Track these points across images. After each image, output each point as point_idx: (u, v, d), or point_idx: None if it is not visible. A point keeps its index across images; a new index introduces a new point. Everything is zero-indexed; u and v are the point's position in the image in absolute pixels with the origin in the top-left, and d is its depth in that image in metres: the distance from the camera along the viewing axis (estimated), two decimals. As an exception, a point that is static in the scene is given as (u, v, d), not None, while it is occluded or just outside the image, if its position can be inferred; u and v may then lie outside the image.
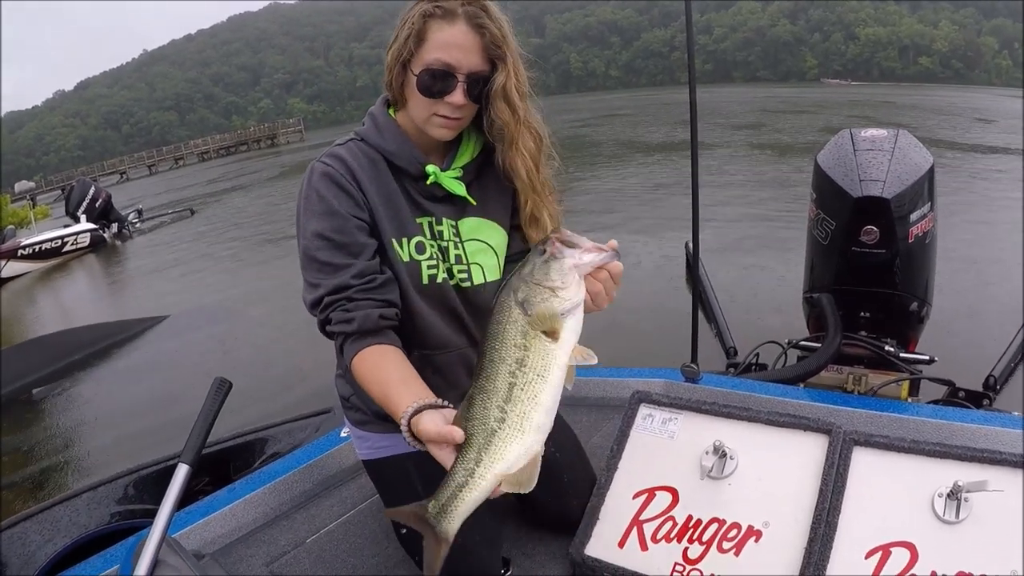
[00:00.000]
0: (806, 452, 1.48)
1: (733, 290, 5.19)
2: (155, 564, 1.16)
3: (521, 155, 1.46)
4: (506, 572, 1.57)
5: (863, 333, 2.66)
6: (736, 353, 3.72)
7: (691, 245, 5.65)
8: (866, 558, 1.33)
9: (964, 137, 15.90)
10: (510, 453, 1.00)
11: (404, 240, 1.42)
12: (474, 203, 1.48)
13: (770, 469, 1.50)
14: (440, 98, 1.34)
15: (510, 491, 1.02)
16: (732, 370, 3.20)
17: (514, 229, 1.57)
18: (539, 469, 1.04)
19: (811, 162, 2.69)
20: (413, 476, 1.57)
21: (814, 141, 15.17)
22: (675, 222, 7.56)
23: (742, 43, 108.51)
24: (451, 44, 1.32)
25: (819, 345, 2.63)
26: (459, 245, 1.48)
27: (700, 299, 2.54)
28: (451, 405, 1.14)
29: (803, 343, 2.80)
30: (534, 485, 1.03)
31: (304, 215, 1.38)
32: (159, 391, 5.47)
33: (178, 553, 1.21)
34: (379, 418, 1.57)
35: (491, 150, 1.49)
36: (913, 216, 2.44)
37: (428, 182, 1.43)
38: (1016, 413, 1.87)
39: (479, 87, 1.36)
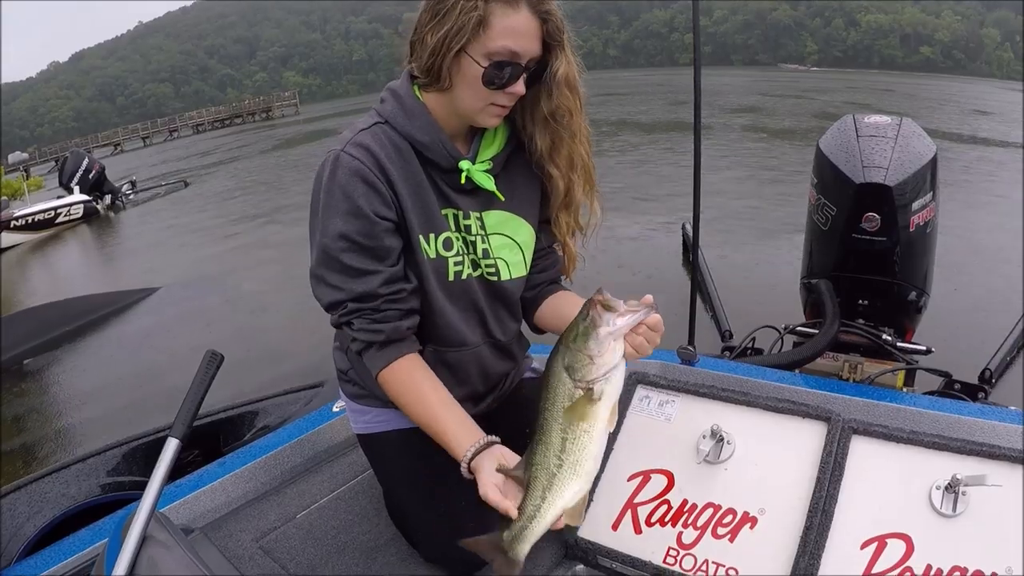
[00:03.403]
0: (804, 439, 1.47)
1: (729, 274, 5.17)
2: (143, 539, 1.14)
3: (584, 145, 1.43)
4: None
5: (861, 321, 2.66)
6: (732, 337, 3.71)
7: (689, 227, 5.63)
8: (861, 549, 1.32)
9: (961, 128, 15.87)
10: (568, 492, 1.16)
11: (432, 236, 1.37)
12: (503, 199, 1.42)
13: (767, 455, 1.48)
14: (502, 89, 1.27)
15: (568, 522, 1.19)
16: (728, 354, 3.18)
17: (543, 223, 1.53)
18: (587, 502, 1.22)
19: (808, 147, 2.67)
20: (409, 451, 1.56)
21: (810, 127, 15.16)
22: (673, 203, 7.52)
23: (742, 25, 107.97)
24: (517, 32, 1.24)
25: (816, 331, 2.62)
26: (485, 239, 1.43)
27: (696, 284, 2.53)
28: (499, 440, 1.28)
29: (800, 329, 2.79)
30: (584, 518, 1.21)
31: (326, 211, 1.30)
32: (150, 363, 5.45)
33: (167, 528, 1.19)
34: (377, 392, 1.54)
35: (519, 140, 1.44)
36: (915, 205, 2.43)
37: (462, 179, 1.36)
38: (1014, 408, 1.87)
39: (533, 75, 1.30)
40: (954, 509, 1.29)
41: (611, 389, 1.13)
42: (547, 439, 1.15)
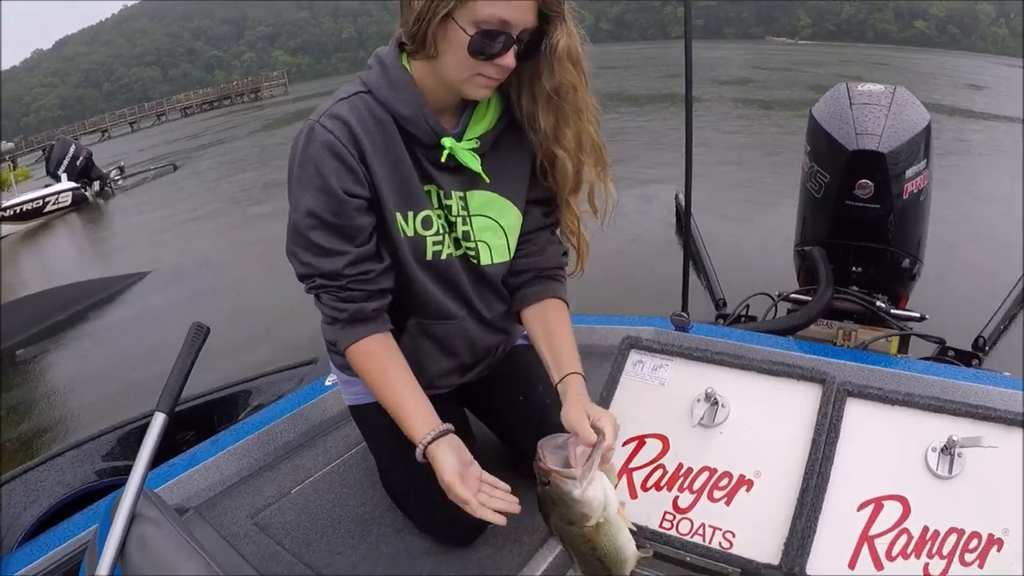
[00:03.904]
0: (799, 401, 1.45)
1: (722, 243, 5.15)
2: (132, 517, 1.13)
3: (592, 123, 1.37)
4: None
5: (854, 288, 2.66)
6: (725, 305, 3.72)
7: (682, 197, 5.64)
8: (858, 510, 1.31)
9: (954, 101, 15.85)
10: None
11: (410, 214, 1.31)
12: (487, 180, 1.35)
13: (762, 418, 1.47)
14: (490, 60, 1.20)
15: None
16: (721, 321, 3.19)
17: (532, 204, 1.46)
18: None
19: (800, 119, 2.66)
20: None
21: (803, 99, 15.09)
22: (666, 172, 7.49)
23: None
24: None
25: (809, 298, 2.62)
26: (467, 221, 1.37)
27: (690, 250, 2.52)
28: (454, 429, 1.28)
29: (793, 296, 2.79)
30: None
31: (297, 185, 1.26)
32: (143, 347, 5.43)
33: (156, 505, 1.18)
34: None
35: (512, 117, 1.36)
36: (908, 172, 2.44)
37: (442, 158, 1.30)
38: (1008, 374, 1.87)
39: (527, 46, 1.22)
40: (950, 471, 1.28)
41: (611, 507, 1.17)
42: (589, 565, 1.22)
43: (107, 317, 6.62)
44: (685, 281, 2.36)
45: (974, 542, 1.22)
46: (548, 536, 1.53)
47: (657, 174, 7.81)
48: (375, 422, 1.58)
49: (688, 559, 1.38)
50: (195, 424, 2.44)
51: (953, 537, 1.23)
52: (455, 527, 1.50)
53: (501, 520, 1.20)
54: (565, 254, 1.52)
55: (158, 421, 1.25)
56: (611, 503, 1.18)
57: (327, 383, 1.96)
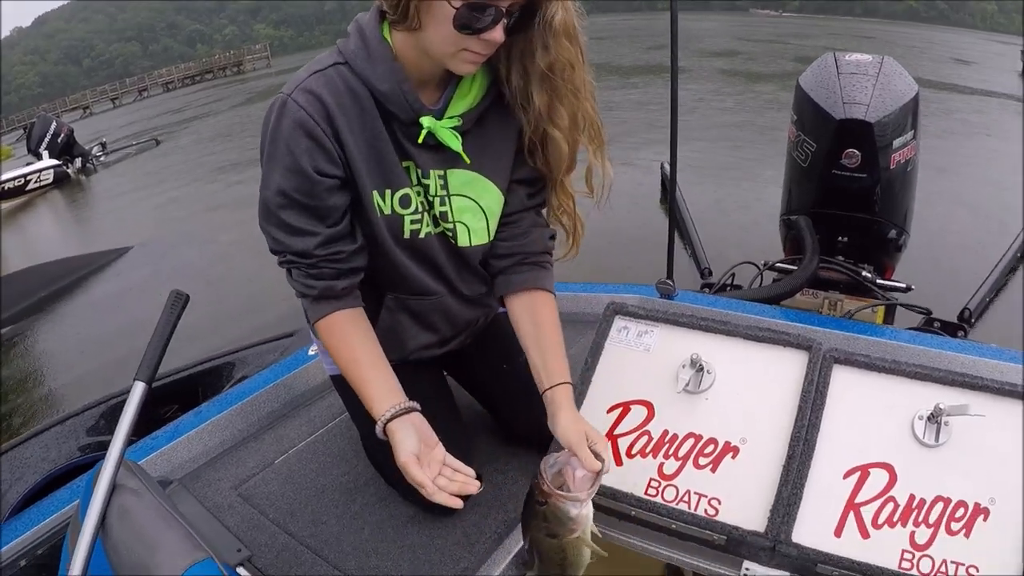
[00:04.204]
0: (785, 368, 1.44)
1: (707, 212, 5.15)
2: (113, 488, 1.11)
3: (589, 101, 1.31)
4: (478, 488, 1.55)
5: (840, 258, 2.66)
6: (711, 274, 3.73)
7: (667, 166, 5.63)
8: (844, 478, 1.30)
9: (939, 75, 15.86)
10: None
11: (387, 192, 1.27)
12: (468, 161, 1.30)
13: (748, 384, 1.46)
14: (477, 35, 1.13)
15: None
16: (707, 290, 3.19)
17: (516, 184, 1.41)
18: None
19: (785, 91, 2.66)
20: None
21: (789, 71, 15.06)
22: (651, 143, 7.45)
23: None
24: None
25: (795, 267, 2.62)
26: (446, 201, 1.32)
27: (675, 218, 2.51)
28: (419, 408, 1.26)
29: (779, 265, 2.80)
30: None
31: (268, 162, 1.22)
32: (128, 321, 5.39)
33: (137, 476, 1.16)
34: None
35: (497, 94, 1.30)
36: (896, 143, 2.43)
37: (419, 139, 1.25)
38: (994, 345, 1.88)
39: (517, 20, 1.15)
40: (937, 439, 1.28)
41: (588, 523, 1.20)
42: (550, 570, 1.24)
43: (91, 293, 6.57)
44: (670, 249, 2.35)
45: (960, 511, 1.22)
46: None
47: (641, 143, 7.77)
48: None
49: (673, 526, 1.38)
50: (180, 397, 2.43)
51: (939, 506, 1.23)
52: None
53: (458, 503, 1.18)
54: (552, 237, 1.47)
55: (137, 391, 1.22)
56: (590, 513, 1.20)
57: (310, 352, 1.95)
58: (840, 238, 2.68)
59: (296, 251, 1.25)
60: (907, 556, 1.21)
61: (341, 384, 1.58)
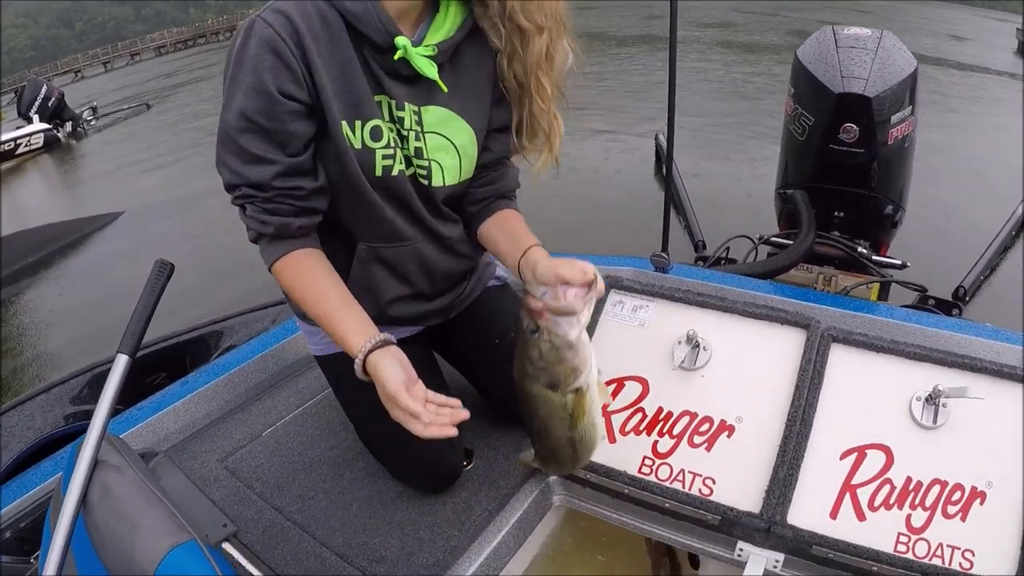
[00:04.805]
0: (783, 346, 1.42)
1: (702, 185, 5.10)
2: (95, 464, 1.07)
3: (565, 50, 1.30)
4: (468, 464, 1.53)
5: (836, 233, 2.63)
6: (705, 247, 3.69)
7: (662, 137, 5.55)
8: (841, 459, 1.29)
9: (936, 51, 15.75)
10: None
11: (357, 123, 1.21)
12: (445, 90, 1.27)
13: (745, 362, 1.44)
14: None
15: None
16: (701, 263, 3.16)
17: (495, 132, 1.39)
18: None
19: (781, 64, 2.62)
20: None
21: (784, 43, 14.94)
22: (646, 115, 7.38)
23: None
24: None
25: (790, 242, 2.60)
26: (420, 136, 1.27)
27: (671, 191, 2.48)
28: (395, 341, 1.20)
29: (774, 239, 2.77)
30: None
31: (231, 83, 1.15)
32: (115, 288, 5.34)
33: (120, 451, 1.12)
34: None
35: (474, 29, 1.28)
36: (894, 118, 2.41)
37: (396, 57, 1.19)
38: (990, 324, 1.86)
39: None
40: (935, 421, 1.26)
41: (595, 371, 1.10)
42: (560, 447, 1.20)
43: (79, 259, 6.50)
44: (666, 221, 2.31)
45: (957, 494, 1.21)
46: (524, 482, 1.50)
47: (637, 118, 7.69)
48: (340, 371, 1.52)
49: (667, 505, 1.36)
50: (167, 366, 2.39)
51: (936, 488, 1.22)
52: (431, 474, 1.47)
53: (452, 431, 1.12)
54: (516, 175, 1.49)
55: (120, 363, 1.18)
56: (594, 364, 1.11)
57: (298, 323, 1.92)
58: (836, 213, 2.64)
59: (252, 182, 1.18)
60: (903, 539, 1.21)
61: (325, 365, 1.56)
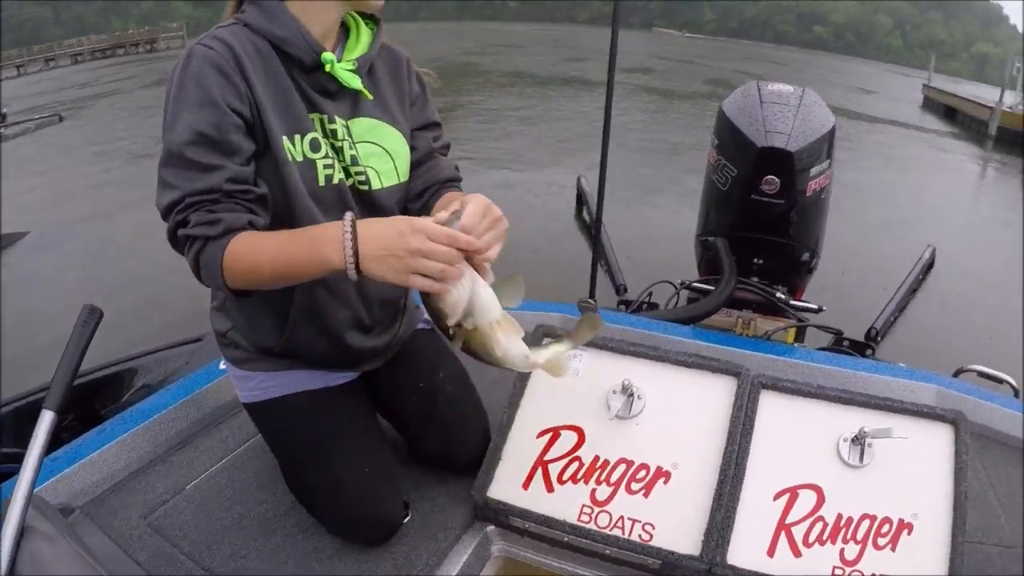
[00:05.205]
0: (714, 393, 1.47)
1: (621, 230, 5.18)
2: (22, 531, 1.00)
3: None
4: (407, 516, 1.49)
5: (755, 279, 2.73)
6: (626, 290, 3.76)
7: (584, 182, 5.64)
8: (775, 499, 1.33)
9: (847, 103, 16.65)
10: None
11: (297, 137, 1.25)
12: (371, 97, 1.35)
13: (678, 410, 1.47)
14: None
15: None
16: (624, 307, 3.22)
17: (419, 131, 1.47)
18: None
19: (701, 110, 2.74)
20: (302, 417, 1.46)
21: (703, 91, 15.51)
22: (561, 157, 7.47)
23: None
24: None
25: (712, 287, 2.68)
26: (353, 146, 1.33)
27: (599, 238, 2.53)
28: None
29: (696, 284, 2.84)
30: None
31: (175, 105, 1.15)
32: (19, 317, 4.94)
33: (49, 518, 1.05)
34: (263, 354, 1.43)
35: (383, 45, 1.40)
36: (813, 171, 2.54)
37: (326, 69, 1.26)
38: (902, 364, 1.97)
39: None
40: (861, 460, 1.33)
41: (483, 310, 1.11)
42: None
43: None
44: (593, 269, 2.36)
45: (886, 527, 1.27)
46: (462, 533, 1.49)
47: (556, 154, 7.76)
48: (275, 419, 1.49)
49: (608, 552, 1.37)
50: (75, 407, 2.27)
51: (866, 523, 1.28)
52: (368, 526, 1.42)
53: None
54: (457, 168, 1.53)
55: (46, 420, 1.09)
56: (483, 310, 1.11)
57: (221, 366, 1.82)
58: (755, 260, 2.75)
59: (200, 189, 1.13)
60: (838, 572, 1.26)
61: (257, 412, 1.51)
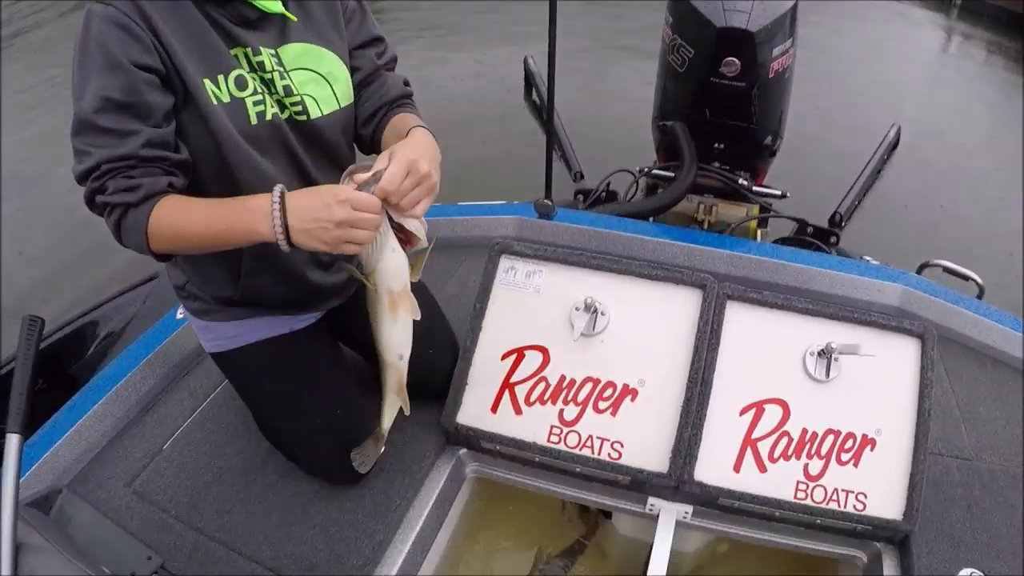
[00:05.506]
0: (680, 307, 1.45)
1: (572, 109, 4.95)
2: (17, 549, 1.00)
3: None
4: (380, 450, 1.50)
5: (716, 164, 2.67)
6: (583, 177, 3.61)
7: (532, 62, 5.33)
8: (740, 415, 1.36)
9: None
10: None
11: (220, 78, 1.16)
12: (294, 19, 1.24)
13: (643, 325, 1.46)
14: None
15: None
16: (581, 197, 3.14)
17: (360, 48, 1.37)
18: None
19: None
20: (270, 363, 1.45)
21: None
22: (503, 32, 6.98)
23: None
24: None
25: (671, 175, 2.63)
26: (284, 75, 1.23)
27: (552, 131, 2.40)
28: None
29: (656, 172, 2.78)
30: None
31: (81, 71, 1.09)
32: None
33: (39, 531, 1.06)
34: (222, 304, 1.39)
35: None
36: (775, 51, 2.41)
37: (238, 1, 1.16)
38: (867, 258, 1.96)
39: None
40: (827, 375, 1.34)
41: (383, 276, 1.13)
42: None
43: None
44: (548, 165, 2.26)
45: (849, 442, 1.30)
46: (436, 459, 1.52)
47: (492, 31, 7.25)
48: (243, 368, 1.48)
49: (578, 469, 1.40)
50: (43, 371, 2.23)
51: (830, 438, 1.31)
52: (345, 467, 1.43)
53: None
54: (407, 83, 1.44)
55: (13, 443, 1.08)
56: (389, 270, 1.13)
57: (178, 316, 1.79)
58: (716, 144, 2.67)
59: (115, 156, 1.09)
60: (801, 487, 1.30)
61: (225, 362, 1.50)
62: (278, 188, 1.07)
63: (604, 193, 3.01)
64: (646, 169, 2.81)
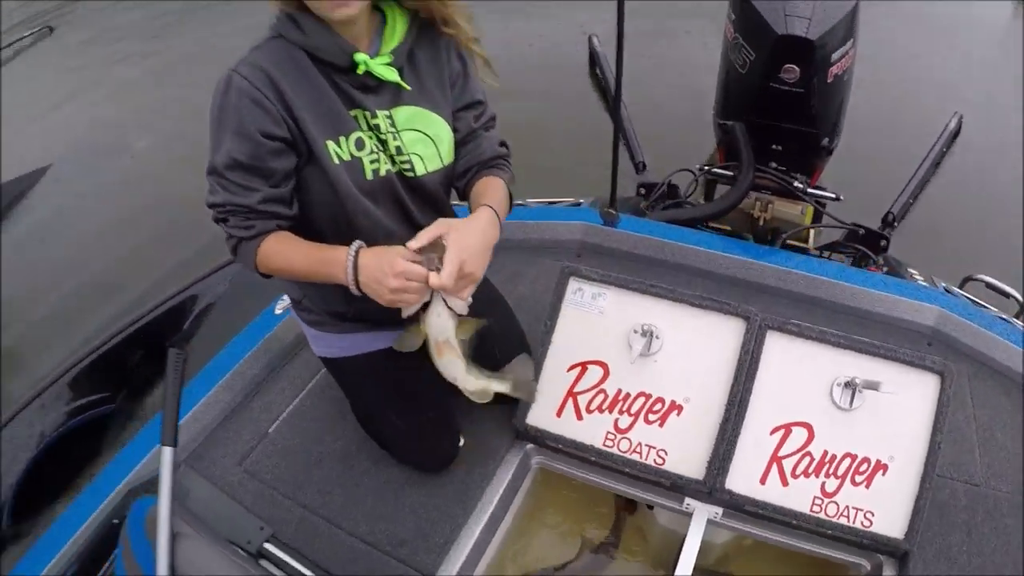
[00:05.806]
0: (725, 336, 1.63)
1: (634, 92, 4.75)
2: (173, 537, 1.24)
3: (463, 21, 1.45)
4: (459, 443, 1.74)
5: (773, 165, 2.74)
6: (645, 167, 3.68)
7: (597, 41, 5.23)
8: (770, 434, 1.54)
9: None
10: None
11: (341, 138, 1.36)
12: (408, 88, 1.41)
13: (692, 350, 1.65)
14: None
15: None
16: (643, 191, 3.21)
17: (461, 111, 1.53)
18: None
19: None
20: (376, 373, 1.68)
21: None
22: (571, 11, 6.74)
23: None
24: None
25: (730, 174, 2.73)
26: (397, 136, 1.42)
27: (618, 135, 2.50)
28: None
29: (715, 170, 2.86)
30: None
31: (218, 129, 1.31)
32: (68, 254, 4.67)
33: (191, 525, 1.29)
34: (334, 317, 1.62)
35: (421, 28, 1.43)
36: (834, 56, 2.42)
37: (359, 71, 1.34)
38: (912, 271, 2.03)
39: None
40: (851, 404, 1.51)
41: (430, 329, 1.36)
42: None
43: (18, 227, 5.36)
44: (614, 174, 2.40)
45: (864, 466, 1.48)
46: (506, 453, 1.75)
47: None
48: (351, 374, 1.72)
49: (627, 470, 1.63)
50: (145, 346, 2.50)
51: (847, 460, 1.49)
52: (430, 459, 1.70)
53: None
54: (503, 144, 1.59)
55: (167, 456, 1.33)
56: (433, 329, 1.36)
57: (277, 311, 2.03)
58: (774, 146, 2.71)
59: (237, 203, 1.32)
60: (817, 502, 1.49)
61: (334, 367, 1.74)
62: (355, 245, 1.29)
63: (666, 188, 3.11)
64: (706, 168, 2.90)
